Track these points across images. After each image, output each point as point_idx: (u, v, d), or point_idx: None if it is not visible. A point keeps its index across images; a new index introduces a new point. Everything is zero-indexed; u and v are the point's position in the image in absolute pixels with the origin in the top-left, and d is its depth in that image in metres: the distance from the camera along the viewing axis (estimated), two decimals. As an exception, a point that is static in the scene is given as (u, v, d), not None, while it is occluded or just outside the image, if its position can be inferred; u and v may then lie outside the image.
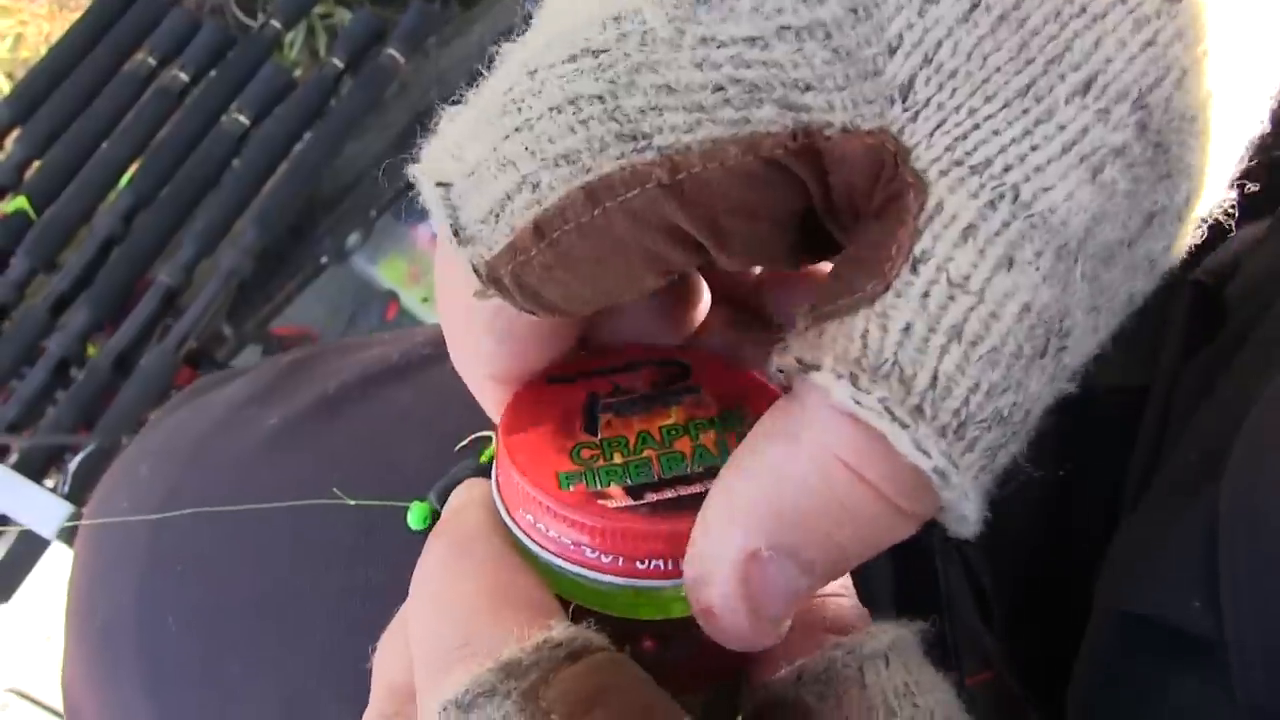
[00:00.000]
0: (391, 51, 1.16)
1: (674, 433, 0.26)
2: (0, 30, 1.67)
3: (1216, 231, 0.40)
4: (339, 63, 1.16)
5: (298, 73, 1.26)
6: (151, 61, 1.14)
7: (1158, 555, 0.28)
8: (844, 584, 0.27)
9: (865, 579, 0.37)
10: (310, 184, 1.13)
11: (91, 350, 1.06)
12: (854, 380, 0.19)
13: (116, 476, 0.50)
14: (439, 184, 0.21)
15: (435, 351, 0.47)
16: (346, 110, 1.13)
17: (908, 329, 0.19)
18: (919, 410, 0.19)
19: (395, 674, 0.26)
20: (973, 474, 0.19)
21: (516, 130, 0.20)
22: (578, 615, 0.24)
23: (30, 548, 0.96)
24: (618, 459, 0.25)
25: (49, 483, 0.97)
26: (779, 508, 0.19)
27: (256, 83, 1.13)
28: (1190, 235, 0.21)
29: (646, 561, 0.24)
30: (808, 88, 0.19)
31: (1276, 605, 0.25)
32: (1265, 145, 0.22)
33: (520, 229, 0.20)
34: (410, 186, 0.23)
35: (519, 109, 0.20)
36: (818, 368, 0.19)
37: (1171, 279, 0.38)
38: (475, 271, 0.21)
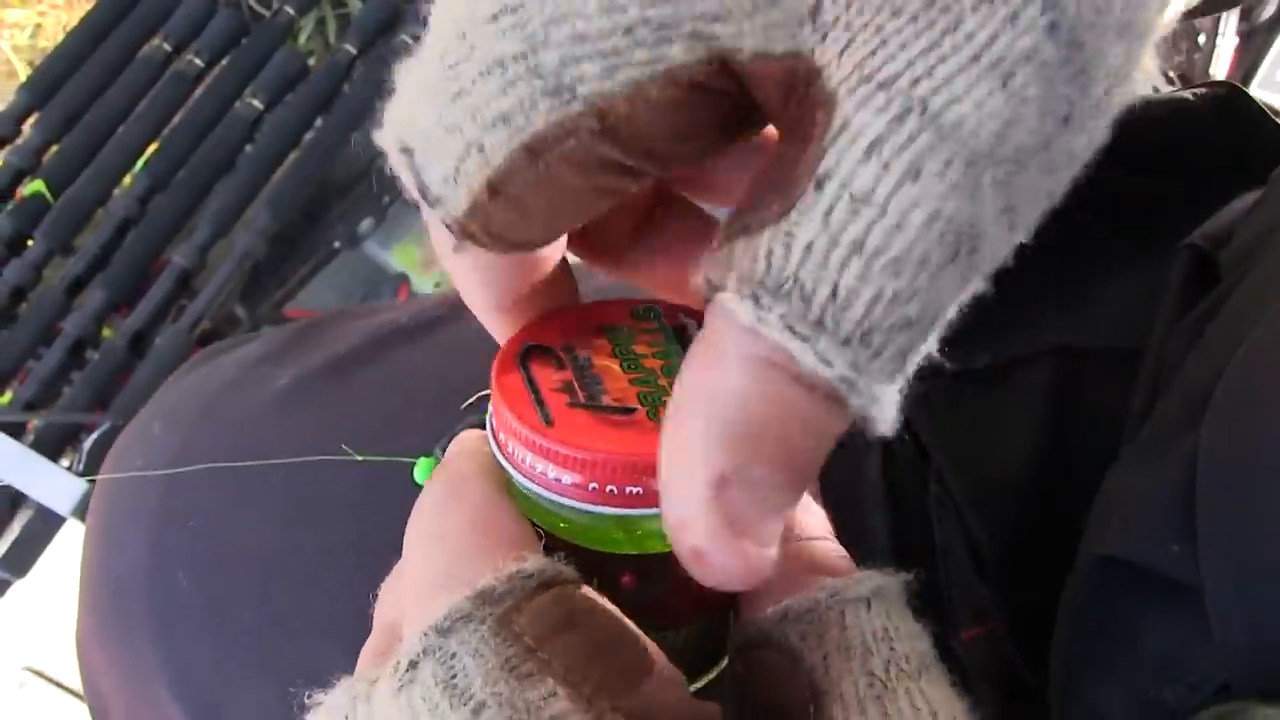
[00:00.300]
0: (404, 38, 1.17)
1: (644, 366, 0.28)
2: (20, 20, 1.68)
3: (1215, 201, 0.41)
4: (352, 49, 1.17)
5: (311, 59, 1.26)
6: (167, 48, 1.15)
7: (1137, 500, 0.29)
8: (826, 529, 0.28)
9: (861, 533, 0.38)
10: (323, 169, 1.13)
11: (107, 331, 1.07)
12: (756, 299, 0.19)
13: (130, 436, 0.51)
14: (402, 150, 0.23)
15: (444, 313, 0.48)
16: (359, 96, 1.14)
17: (809, 246, 0.19)
18: (819, 324, 0.19)
19: (390, 614, 0.27)
20: (882, 378, 0.20)
21: (456, 96, 0.21)
22: (558, 550, 0.25)
23: (46, 525, 0.98)
24: (595, 391, 0.27)
25: (64, 461, 0.98)
26: (726, 428, 0.20)
27: (270, 69, 1.14)
28: (1109, 123, 0.21)
29: (620, 488, 0.25)
30: (715, 18, 0.20)
31: (1253, 546, 0.25)
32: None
33: (477, 189, 0.22)
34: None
35: (455, 74, 0.21)
36: (723, 288, 0.20)
37: (1169, 245, 0.39)
38: (448, 228, 0.23)
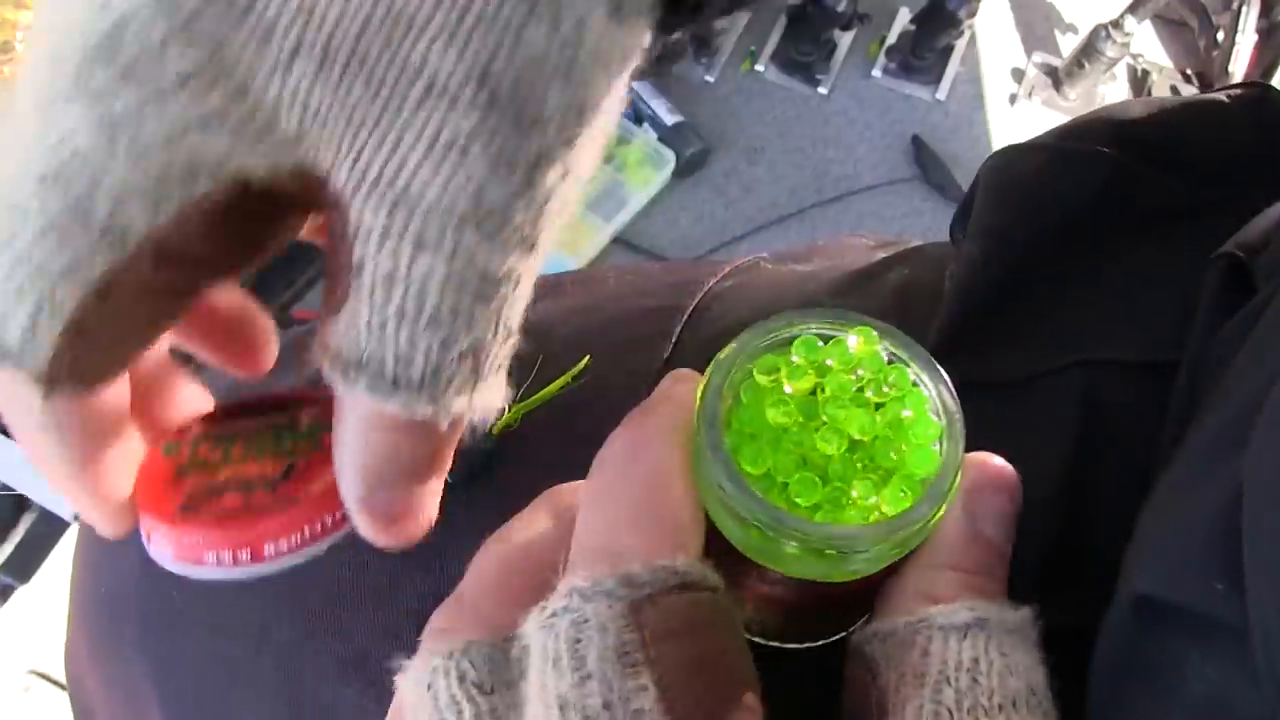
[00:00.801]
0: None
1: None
2: (22, 22, 1.67)
3: (1249, 207, 0.39)
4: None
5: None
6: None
7: (1177, 534, 0.27)
8: (983, 562, 0.28)
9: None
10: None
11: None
12: (344, 373, 0.24)
13: None
14: None
15: None
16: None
17: (368, 324, 0.24)
18: (395, 383, 0.24)
19: (467, 588, 0.29)
20: (463, 392, 0.25)
21: (18, 261, 0.23)
22: (717, 541, 0.27)
23: (50, 529, 0.97)
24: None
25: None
26: (354, 469, 0.26)
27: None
28: (598, 147, 0.25)
29: None
30: (229, 151, 0.23)
31: None
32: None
33: (57, 338, 0.24)
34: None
35: (13, 241, 0.23)
36: (325, 366, 0.25)
37: (1203, 254, 0.37)
38: (36, 383, 0.24)
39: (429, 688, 0.26)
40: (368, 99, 0.23)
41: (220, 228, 0.24)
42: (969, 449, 0.30)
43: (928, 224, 1.61)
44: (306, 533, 0.29)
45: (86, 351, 0.25)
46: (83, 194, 0.23)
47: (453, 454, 0.27)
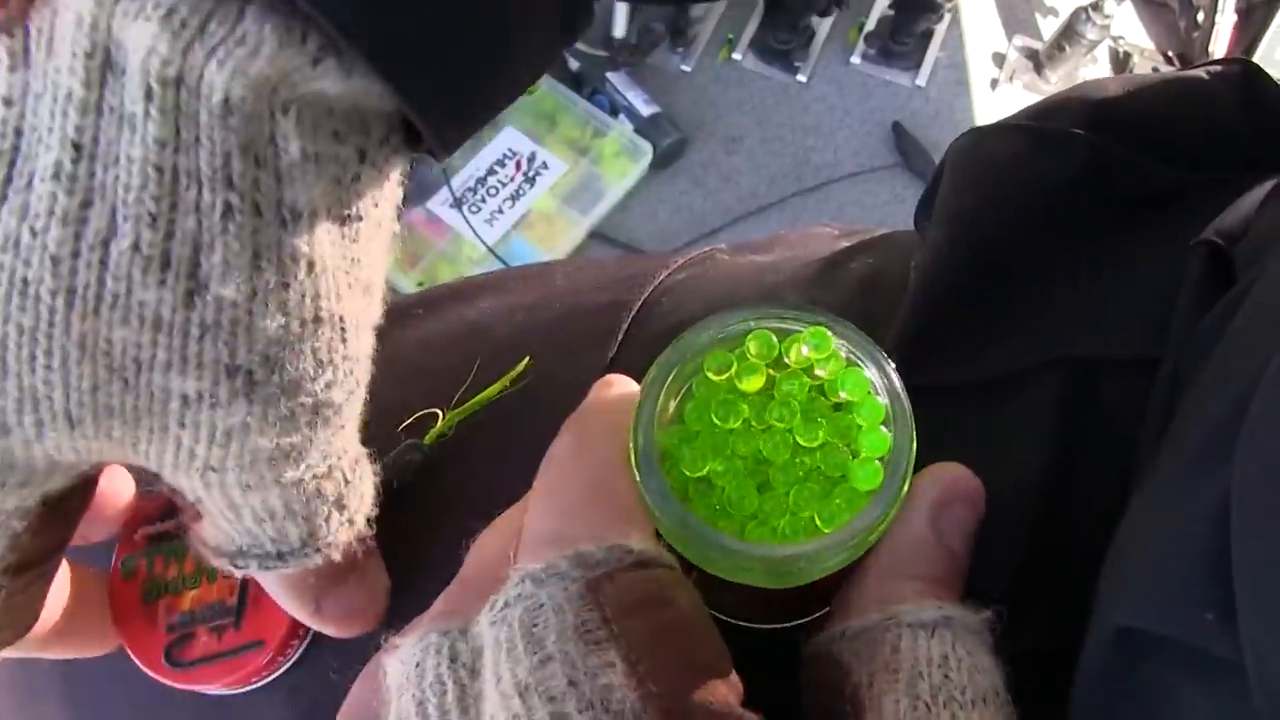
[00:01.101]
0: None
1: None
2: None
3: (1237, 192, 0.37)
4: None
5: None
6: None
7: (1159, 558, 0.24)
8: (944, 572, 0.27)
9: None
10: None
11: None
12: (234, 562, 0.28)
13: None
14: None
15: (385, 321, 0.44)
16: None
17: (235, 529, 0.28)
18: (280, 556, 0.28)
19: (470, 569, 0.28)
20: (341, 528, 0.29)
21: None
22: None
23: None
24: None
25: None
26: (297, 609, 0.31)
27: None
28: (353, 414, 0.28)
29: None
30: (25, 499, 0.27)
31: None
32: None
33: None
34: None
35: None
36: (210, 559, 0.29)
37: (1185, 244, 0.35)
38: None
39: (417, 665, 0.25)
40: (135, 427, 0.25)
41: (48, 520, 0.27)
42: (940, 457, 0.28)
43: (909, 212, 1.58)
44: (279, 661, 0.34)
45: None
46: None
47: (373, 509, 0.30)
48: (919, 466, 0.27)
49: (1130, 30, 1.75)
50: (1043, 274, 0.33)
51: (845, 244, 0.42)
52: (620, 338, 0.36)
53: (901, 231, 0.42)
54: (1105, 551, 0.29)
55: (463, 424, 0.35)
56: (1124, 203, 0.34)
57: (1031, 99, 1.73)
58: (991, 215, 0.32)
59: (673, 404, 0.27)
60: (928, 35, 1.69)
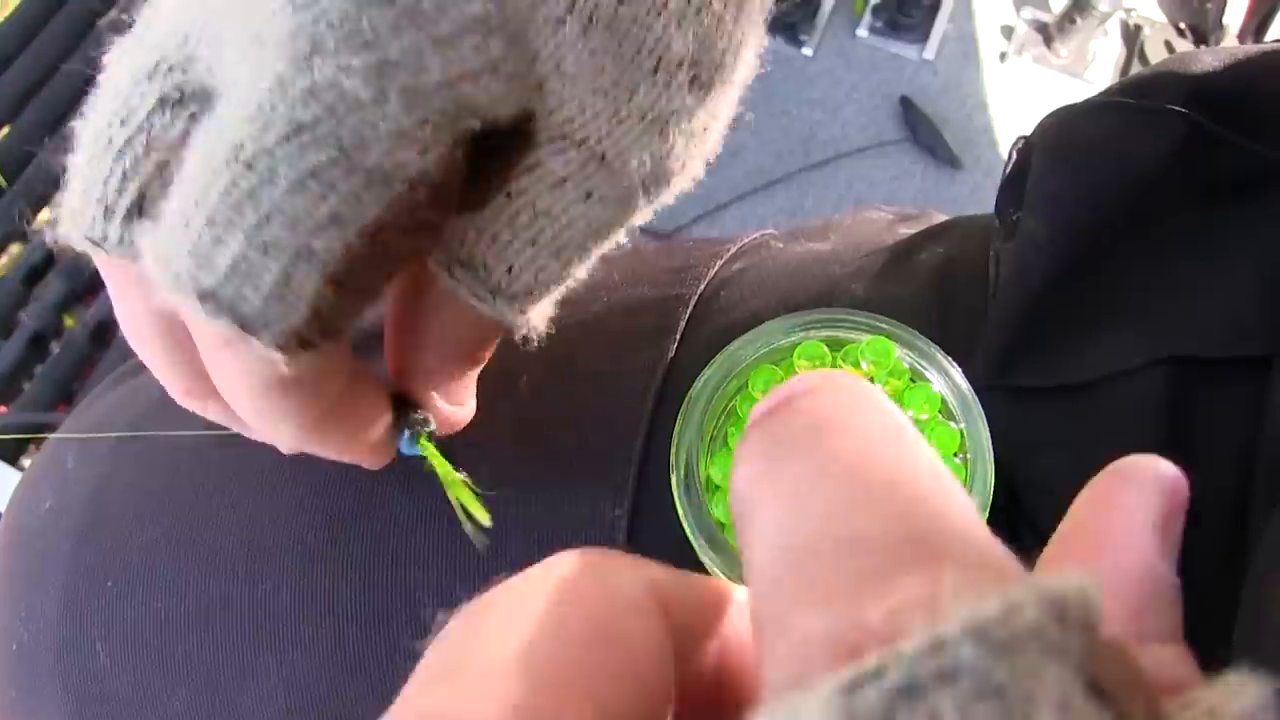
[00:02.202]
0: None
1: None
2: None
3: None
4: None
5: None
6: (127, 18, 1.07)
7: None
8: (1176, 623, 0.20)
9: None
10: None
11: (69, 322, 1.00)
12: (450, 270, 0.28)
13: (41, 468, 0.43)
14: (203, 297, 0.23)
15: None
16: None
17: (496, 237, 0.27)
18: (494, 292, 0.28)
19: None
20: (531, 308, 0.29)
21: (268, 219, 0.23)
22: None
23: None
24: None
25: (25, 461, 0.92)
26: (433, 348, 0.31)
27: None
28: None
29: None
30: (497, 100, 0.25)
31: None
32: None
33: (316, 290, 0.23)
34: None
35: (257, 201, 0.22)
36: (432, 258, 0.28)
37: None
38: (279, 349, 0.24)
39: None
40: (610, 68, 0.26)
41: (458, 164, 0.25)
42: (1037, 464, 0.26)
43: (918, 187, 1.56)
44: None
45: (343, 300, 0.24)
46: (351, 142, 0.23)
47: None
48: (1001, 474, 0.25)
49: (1142, 2, 1.71)
50: (1141, 264, 0.31)
51: (904, 229, 0.39)
52: (679, 336, 0.34)
53: (965, 217, 0.40)
54: (1220, 557, 0.26)
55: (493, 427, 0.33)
56: (1225, 185, 0.31)
57: (1041, 72, 1.69)
58: (1091, 200, 0.30)
59: (715, 425, 0.26)
60: (935, 7, 1.66)
